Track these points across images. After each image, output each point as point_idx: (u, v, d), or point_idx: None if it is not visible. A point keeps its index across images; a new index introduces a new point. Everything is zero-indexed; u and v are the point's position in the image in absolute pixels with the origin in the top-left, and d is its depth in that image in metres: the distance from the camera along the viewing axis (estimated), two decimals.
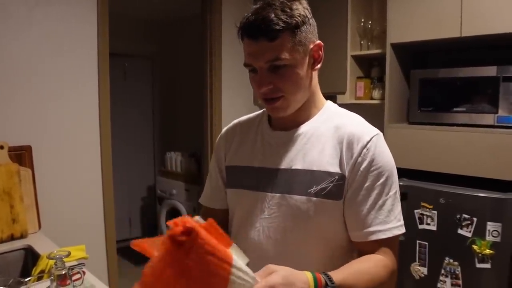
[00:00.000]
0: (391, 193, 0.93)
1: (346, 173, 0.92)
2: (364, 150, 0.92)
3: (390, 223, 0.91)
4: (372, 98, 2.60)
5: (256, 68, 0.91)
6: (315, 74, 0.99)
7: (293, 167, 0.96)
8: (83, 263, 1.43)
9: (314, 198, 0.92)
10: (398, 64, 2.34)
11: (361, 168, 0.91)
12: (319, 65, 0.97)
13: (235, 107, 3.16)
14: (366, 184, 0.91)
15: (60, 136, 2.25)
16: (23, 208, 1.94)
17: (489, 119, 1.98)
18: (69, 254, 1.23)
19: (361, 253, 0.93)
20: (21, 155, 2.06)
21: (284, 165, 0.97)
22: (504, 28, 1.87)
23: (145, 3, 3.93)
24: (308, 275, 0.74)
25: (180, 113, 4.77)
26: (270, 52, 0.87)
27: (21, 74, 2.09)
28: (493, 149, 1.92)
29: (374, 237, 0.90)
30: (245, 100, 3.26)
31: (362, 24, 2.58)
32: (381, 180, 0.92)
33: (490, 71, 1.95)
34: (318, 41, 0.96)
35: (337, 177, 0.92)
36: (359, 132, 0.94)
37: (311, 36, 0.94)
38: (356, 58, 2.64)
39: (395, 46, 2.28)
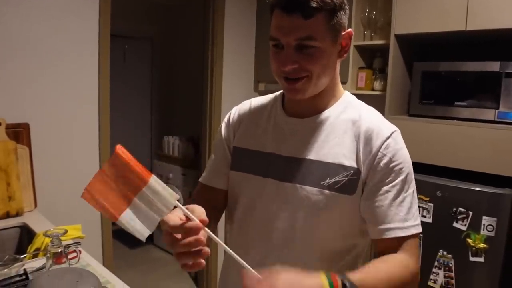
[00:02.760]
0: (410, 191, 0.91)
1: (362, 168, 0.90)
2: (384, 145, 0.89)
3: (409, 221, 0.88)
4: (373, 89, 2.59)
5: (281, 44, 0.87)
6: (338, 63, 0.96)
7: (307, 157, 0.93)
8: (79, 242, 1.43)
9: (327, 191, 0.90)
10: (401, 55, 2.33)
11: (381, 164, 0.89)
12: (346, 54, 0.95)
13: (235, 92, 3.14)
14: (387, 180, 0.89)
15: (58, 115, 2.23)
16: (19, 186, 1.93)
17: (489, 114, 1.97)
18: (66, 232, 1.23)
19: (381, 253, 0.89)
20: (19, 133, 2.04)
21: (297, 154, 0.94)
22: (509, 23, 1.86)
23: None
24: (323, 280, 0.69)
25: (179, 97, 4.75)
26: (302, 29, 0.84)
27: (21, 52, 2.06)
28: (493, 145, 1.92)
29: (392, 234, 0.87)
30: (246, 85, 3.24)
31: (366, 14, 2.56)
32: (401, 177, 0.90)
33: (493, 66, 1.95)
34: (350, 29, 0.93)
35: (352, 171, 0.90)
36: (378, 128, 0.92)
37: (345, 22, 0.91)
38: (359, 48, 2.62)
39: (399, 37, 2.26)
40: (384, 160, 0.89)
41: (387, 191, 0.88)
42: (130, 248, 4.08)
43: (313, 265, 0.95)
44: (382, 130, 0.92)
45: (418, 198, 2.03)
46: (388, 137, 0.90)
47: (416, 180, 2.04)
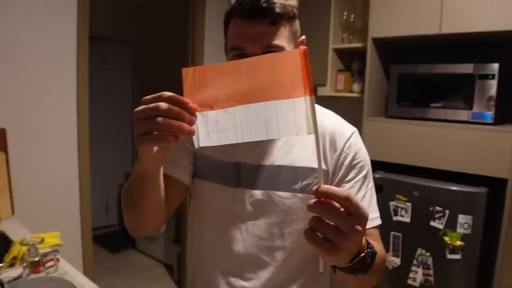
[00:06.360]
0: (369, 186, 0.95)
1: (330, 168, 0.93)
2: (347, 145, 0.94)
3: (371, 213, 0.92)
4: (351, 91, 2.63)
5: (245, 54, 0.85)
6: None
7: (275, 164, 0.94)
8: (57, 250, 1.41)
9: (300, 194, 0.92)
10: (378, 58, 2.37)
11: (345, 162, 0.93)
12: None
13: None
14: (350, 177, 0.93)
15: (36, 120, 2.19)
16: None
17: (464, 115, 2.02)
18: (42, 241, 1.22)
19: None
20: None
21: (266, 161, 0.95)
22: (481, 26, 1.91)
23: None
24: None
25: None
26: (270, 36, 0.83)
27: None
28: (467, 145, 1.97)
29: None
30: None
31: (344, 17, 2.59)
32: (363, 173, 0.94)
33: (467, 68, 2.00)
34: (303, 36, 0.96)
35: (317, 175, 0.92)
36: (340, 129, 0.96)
37: (300, 30, 0.94)
38: (337, 51, 2.65)
39: (376, 41, 2.30)
40: (348, 159, 0.93)
41: (351, 187, 0.92)
42: (111, 253, 4.03)
43: (291, 268, 0.96)
44: (344, 131, 0.96)
45: (397, 198, 2.10)
46: (350, 137, 0.95)
47: (394, 180, 2.11)
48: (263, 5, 0.81)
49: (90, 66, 2.38)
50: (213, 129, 0.60)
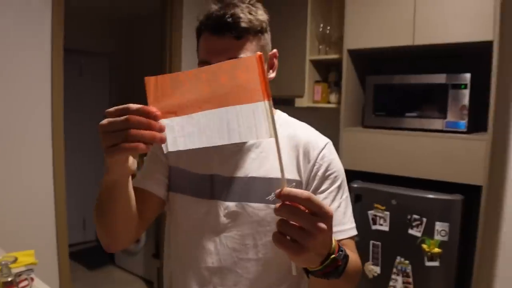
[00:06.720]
0: (344, 196, 0.96)
1: (303, 179, 0.94)
2: (320, 156, 0.95)
3: (346, 224, 0.93)
4: (329, 102, 2.66)
5: None
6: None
7: (249, 175, 0.95)
8: (31, 269, 1.37)
9: (273, 205, 0.89)
10: (354, 69, 2.41)
11: (319, 173, 0.94)
12: (273, 74, 0.98)
13: None
14: (322, 188, 0.93)
15: (8, 132, 2.14)
16: None
17: (438, 124, 2.07)
18: (15, 260, 1.18)
19: None
20: None
21: (239, 173, 0.96)
22: (452, 38, 1.98)
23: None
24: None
25: None
26: (235, 50, 0.86)
27: None
28: (442, 153, 2.02)
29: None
30: None
31: (321, 29, 2.63)
32: (337, 184, 0.95)
33: (440, 78, 2.05)
34: (275, 50, 0.97)
35: (294, 183, 0.93)
36: (314, 140, 0.98)
37: (270, 44, 0.95)
38: (314, 63, 2.69)
39: (351, 52, 2.35)
40: (321, 170, 0.94)
41: (325, 198, 0.93)
42: (89, 270, 3.93)
43: (266, 279, 0.96)
44: (318, 142, 0.97)
45: (375, 207, 2.13)
46: (323, 148, 0.96)
47: (372, 189, 2.14)
48: (228, 20, 0.84)
49: (66, 78, 2.34)
50: (179, 134, 0.62)
